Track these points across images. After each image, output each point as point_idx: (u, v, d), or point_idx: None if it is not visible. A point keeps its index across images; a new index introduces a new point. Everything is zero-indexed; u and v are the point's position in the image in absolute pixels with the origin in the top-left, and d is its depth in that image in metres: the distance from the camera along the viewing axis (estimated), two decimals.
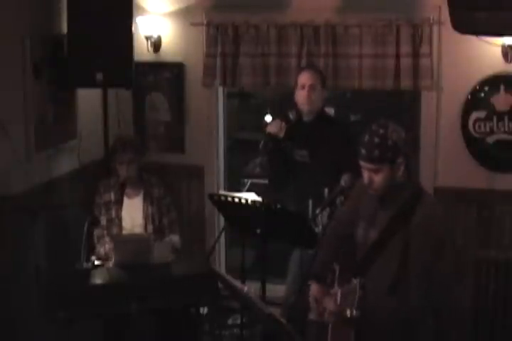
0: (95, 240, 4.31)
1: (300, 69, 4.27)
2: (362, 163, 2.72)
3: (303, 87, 4.01)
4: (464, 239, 4.54)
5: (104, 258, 4.14)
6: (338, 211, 3.13)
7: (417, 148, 4.82)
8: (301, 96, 4.02)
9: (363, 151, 2.68)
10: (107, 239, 4.26)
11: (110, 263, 4.01)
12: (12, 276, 4.08)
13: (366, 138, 2.68)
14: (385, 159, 2.63)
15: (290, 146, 4.09)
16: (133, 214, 4.35)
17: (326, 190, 3.75)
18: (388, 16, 4.54)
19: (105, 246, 4.25)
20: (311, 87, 3.99)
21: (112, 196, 4.35)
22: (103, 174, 4.56)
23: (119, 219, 4.32)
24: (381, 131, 2.65)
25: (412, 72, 4.53)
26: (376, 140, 2.64)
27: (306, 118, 4.06)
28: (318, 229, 3.78)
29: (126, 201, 4.37)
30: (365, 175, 2.71)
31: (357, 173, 3.58)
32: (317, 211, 3.74)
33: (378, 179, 2.68)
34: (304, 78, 4.04)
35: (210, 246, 5.01)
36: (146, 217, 4.35)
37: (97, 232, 4.31)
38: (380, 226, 2.74)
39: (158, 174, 4.58)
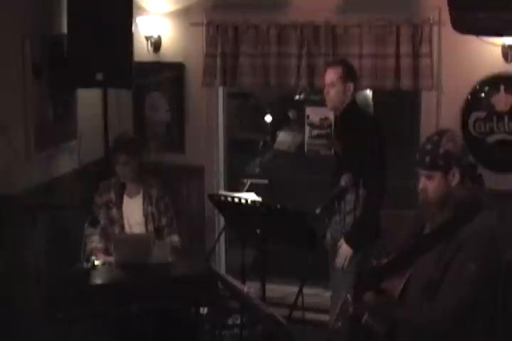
0: (84, 238, 4.29)
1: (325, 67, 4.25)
2: (418, 169, 2.73)
3: (325, 85, 4.04)
4: None
5: (92, 259, 4.15)
6: (414, 210, 3.12)
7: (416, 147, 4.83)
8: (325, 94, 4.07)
9: (417, 156, 2.70)
10: (95, 238, 4.26)
11: (96, 261, 4.02)
12: (12, 276, 4.08)
13: (422, 144, 2.71)
14: (436, 166, 2.63)
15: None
16: (132, 214, 4.36)
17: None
18: (388, 16, 4.54)
19: (92, 244, 4.25)
20: (329, 85, 4.00)
21: (112, 196, 4.36)
22: (103, 174, 4.56)
23: (120, 218, 4.33)
24: (435, 138, 2.66)
25: (412, 72, 4.53)
26: (428, 146, 2.65)
27: (336, 113, 4.12)
28: (320, 229, 3.80)
29: (126, 200, 4.38)
30: (420, 180, 2.71)
31: (358, 173, 3.62)
32: (317, 211, 3.75)
33: (432, 186, 2.67)
34: (325, 76, 4.05)
35: (210, 246, 5.01)
36: (146, 216, 4.35)
37: (87, 231, 4.28)
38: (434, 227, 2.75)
39: (158, 174, 4.57)
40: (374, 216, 3.93)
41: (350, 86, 3.99)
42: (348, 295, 2.69)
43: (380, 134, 4.00)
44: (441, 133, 2.69)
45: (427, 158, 2.64)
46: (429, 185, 2.67)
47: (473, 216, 2.63)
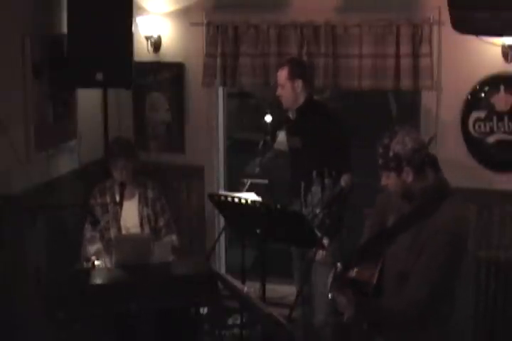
0: (86, 240, 4.30)
1: None
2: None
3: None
4: None
5: (92, 259, 4.15)
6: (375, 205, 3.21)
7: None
8: None
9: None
10: (96, 240, 4.26)
11: (101, 263, 4.04)
12: (12, 276, 4.08)
13: (377, 145, 2.80)
14: (388, 168, 2.76)
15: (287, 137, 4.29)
16: (128, 216, 4.35)
17: (315, 173, 3.79)
18: (388, 16, 4.54)
19: (95, 246, 4.25)
20: (280, 87, 4.13)
21: (108, 198, 4.35)
22: (103, 174, 4.56)
23: (118, 220, 4.32)
24: (386, 141, 2.75)
25: (412, 72, 4.53)
26: (380, 150, 2.77)
27: (293, 110, 4.19)
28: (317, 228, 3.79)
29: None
30: (382, 177, 2.84)
31: (322, 165, 3.64)
32: (317, 211, 3.75)
33: (390, 183, 2.80)
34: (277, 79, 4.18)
35: (210, 246, 5.01)
36: (141, 218, 4.35)
37: (88, 233, 4.30)
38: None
39: (157, 174, 4.56)
40: (342, 205, 3.87)
41: (299, 83, 4.09)
42: (339, 264, 2.81)
43: (338, 127, 4.08)
44: (391, 134, 2.76)
45: (380, 161, 2.77)
46: (388, 182, 2.81)
47: (439, 203, 2.73)
